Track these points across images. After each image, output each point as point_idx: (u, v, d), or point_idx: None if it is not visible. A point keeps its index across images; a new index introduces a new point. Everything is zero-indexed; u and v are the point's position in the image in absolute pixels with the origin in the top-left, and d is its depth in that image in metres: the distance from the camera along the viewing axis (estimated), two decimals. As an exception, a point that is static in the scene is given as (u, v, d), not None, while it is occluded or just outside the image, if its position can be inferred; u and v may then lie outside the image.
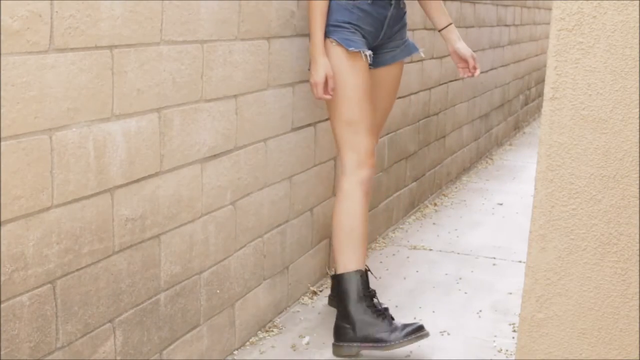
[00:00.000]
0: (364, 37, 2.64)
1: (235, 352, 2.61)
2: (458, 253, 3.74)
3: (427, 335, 2.59)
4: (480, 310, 3.05)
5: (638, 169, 1.44)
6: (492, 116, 6.03)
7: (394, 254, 3.67)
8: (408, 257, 3.64)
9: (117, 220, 1.95)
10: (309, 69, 2.67)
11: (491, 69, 5.80)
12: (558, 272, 1.52)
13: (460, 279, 3.39)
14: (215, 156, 2.34)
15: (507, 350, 2.70)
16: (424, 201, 4.52)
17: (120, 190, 1.95)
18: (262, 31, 2.52)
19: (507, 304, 3.12)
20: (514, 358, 2.63)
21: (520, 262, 3.61)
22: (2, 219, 1.61)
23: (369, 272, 2.71)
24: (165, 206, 2.13)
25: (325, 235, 3.20)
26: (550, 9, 7.26)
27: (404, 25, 2.79)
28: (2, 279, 1.63)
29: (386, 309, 2.64)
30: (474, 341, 2.78)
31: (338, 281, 2.67)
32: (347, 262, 2.64)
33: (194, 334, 2.35)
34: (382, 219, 3.87)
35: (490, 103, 5.89)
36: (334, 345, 2.63)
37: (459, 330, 2.86)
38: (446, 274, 3.44)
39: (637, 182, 1.44)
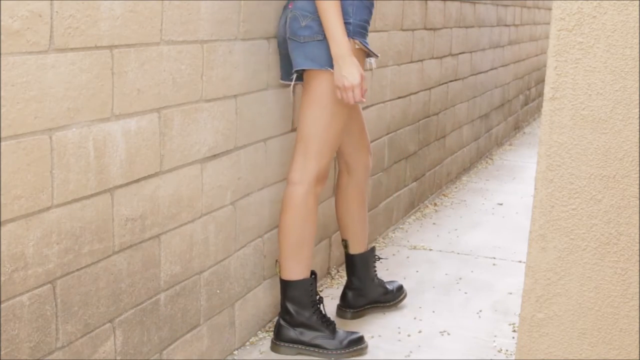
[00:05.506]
0: None
1: (235, 352, 2.61)
2: (458, 253, 3.74)
3: (366, 348, 2.64)
4: (480, 310, 3.05)
5: (638, 169, 1.44)
6: (492, 116, 6.03)
7: (394, 254, 3.67)
8: (408, 257, 3.64)
9: (117, 220, 1.95)
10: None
11: (491, 69, 5.80)
12: (558, 272, 1.52)
13: (460, 279, 3.39)
14: (215, 156, 2.34)
15: (507, 350, 2.70)
16: (424, 201, 4.52)
17: (120, 190, 1.95)
18: (262, 31, 2.52)
19: (507, 304, 3.12)
20: (514, 358, 2.63)
21: (520, 262, 3.60)
22: (2, 219, 1.61)
23: (316, 277, 2.65)
24: (165, 206, 2.13)
25: (325, 235, 3.20)
26: (550, 9, 7.27)
27: None
28: (2, 279, 1.63)
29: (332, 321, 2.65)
30: (474, 341, 2.78)
31: (286, 286, 2.60)
32: (297, 270, 2.57)
33: (194, 334, 2.35)
34: (382, 219, 3.87)
35: (490, 103, 5.89)
36: (272, 342, 2.63)
37: (459, 330, 2.86)
38: (446, 274, 3.44)
39: (637, 182, 1.44)
